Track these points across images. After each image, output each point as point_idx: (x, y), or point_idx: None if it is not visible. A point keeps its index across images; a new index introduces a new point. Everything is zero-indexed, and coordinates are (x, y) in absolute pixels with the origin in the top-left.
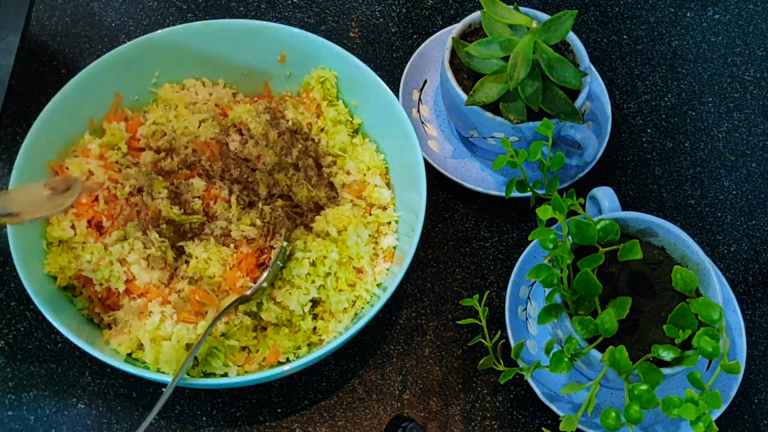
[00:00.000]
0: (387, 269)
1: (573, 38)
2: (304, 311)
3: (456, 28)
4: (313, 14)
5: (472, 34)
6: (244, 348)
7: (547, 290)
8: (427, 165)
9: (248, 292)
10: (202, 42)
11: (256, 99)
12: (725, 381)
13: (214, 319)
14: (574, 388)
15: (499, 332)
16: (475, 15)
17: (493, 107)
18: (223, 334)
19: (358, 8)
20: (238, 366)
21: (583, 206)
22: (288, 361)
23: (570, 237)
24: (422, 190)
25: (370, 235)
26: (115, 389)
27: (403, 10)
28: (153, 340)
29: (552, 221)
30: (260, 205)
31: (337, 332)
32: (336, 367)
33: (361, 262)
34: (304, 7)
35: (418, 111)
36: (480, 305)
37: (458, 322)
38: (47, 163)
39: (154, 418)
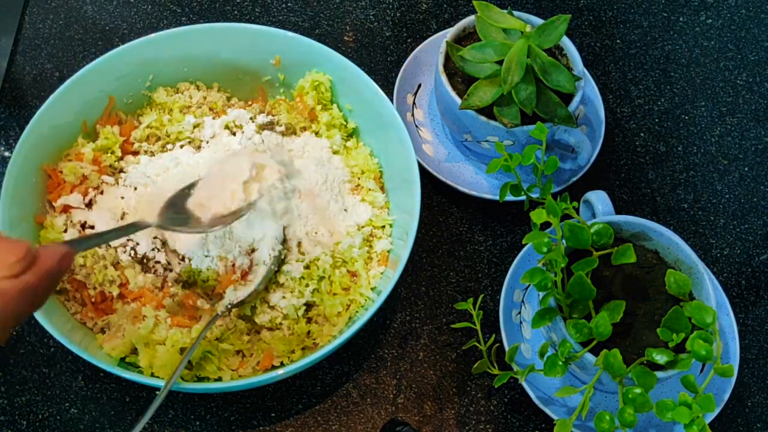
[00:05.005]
0: (381, 273)
1: (567, 42)
2: (298, 315)
3: (450, 32)
4: (307, 18)
5: (467, 38)
6: (238, 352)
7: (541, 294)
8: (422, 168)
9: (242, 296)
10: (196, 45)
11: (250, 102)
12: (719, 384)
13: (208, 323)
14: (568, 392)
15: (494, 336)
16: (470, 19)
17: (487, 111)
18: (217, 338)
19: (352, 12)
20: (232, 370)
21: (577, 210)
22: (282, 365)
23: (564, 241)
24: (416, 194)
25: (364, 239)
26: (108, 394)
27: (398, 14)
28: (147, 345)
29: (546, 225)
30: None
31: (331, 336)
32: (330, 371)
33: (355, 265)
34: (298, 10)
35: (413, 115)
36: (474, 309)
37: (453, 325)
38: (40, 166)
39: (147, 422)
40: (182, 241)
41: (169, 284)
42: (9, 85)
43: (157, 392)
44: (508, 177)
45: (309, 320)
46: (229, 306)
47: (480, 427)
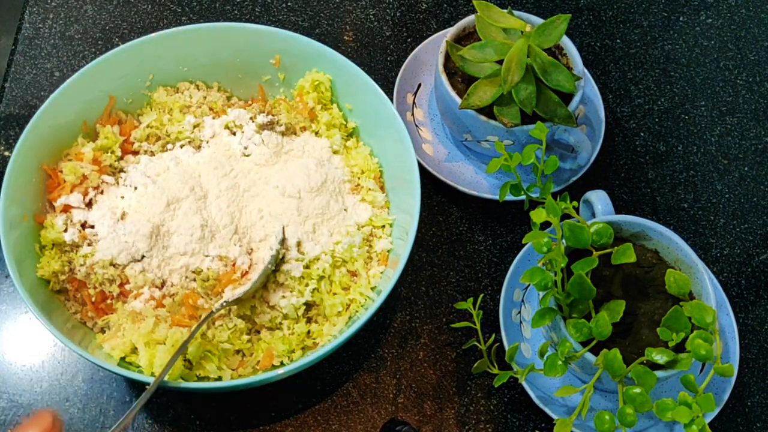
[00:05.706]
0: (381, 272)
1: (567, 42)
2: (298, 315)
3: (450, 32)
4: (307, 17)
5: (467, 37)
6: (238, 351)
7: (541, 293)
8: (422, 168)
9: (238, 294)
10: (196, 45)
11: (250, 102)
12: (718, 384)
13: (203, 319)
14: (568, 392)
15: (494, 335)
16: (470, 19)
17: (487, 111)
18: (220, 341)
19: (352, 12)
20: (232, 369)
21: (577, 209)
22: (282, 364)
23: (564, 240)
24: (416, 194)
25: (364, 239)
26: (108, 394)
27: (398, 14)
28: (147, 344)
29: (546, 224)
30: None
31: (331, 335)
32: (330, 370)
33: (355, 265)
34: (298, 10)
35: (413, 114)
36: (474, 308)
37: (452, 325)
38: (40, 166)
39: (147, 422)
40: (180, 239)
41: (169, 283)
42: (9, 85)
43: (156, 389)
44: (508, 177)
45: (309, 320)
46: (225, 303)
47: (480, 427)
